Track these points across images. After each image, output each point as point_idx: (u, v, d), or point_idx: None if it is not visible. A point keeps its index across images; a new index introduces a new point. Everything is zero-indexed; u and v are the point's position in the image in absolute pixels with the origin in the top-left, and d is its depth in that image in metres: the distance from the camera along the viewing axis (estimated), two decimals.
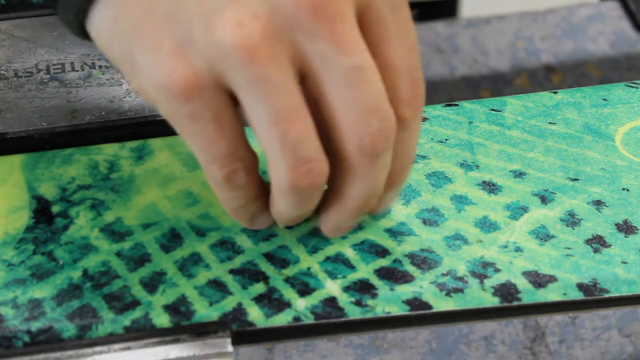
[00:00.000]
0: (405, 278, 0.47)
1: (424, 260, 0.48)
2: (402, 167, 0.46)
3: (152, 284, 0.47)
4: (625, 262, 0.48)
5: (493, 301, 0.47)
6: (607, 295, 0.47)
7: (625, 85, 0.56)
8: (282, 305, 0.46)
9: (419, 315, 0.47)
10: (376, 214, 0.49)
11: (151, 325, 0.46)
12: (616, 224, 0.50)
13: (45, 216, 0.49)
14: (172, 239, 0.48)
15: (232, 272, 0.47)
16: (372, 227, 0.49)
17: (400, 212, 0.50)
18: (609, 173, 0.52)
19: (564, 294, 0.47)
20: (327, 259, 0.48)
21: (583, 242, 0.49)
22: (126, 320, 0.46)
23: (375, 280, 0.47)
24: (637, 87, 0.56)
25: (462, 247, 0.49)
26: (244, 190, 0.45)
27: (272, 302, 0.46)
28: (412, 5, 0.45)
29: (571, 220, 0.50)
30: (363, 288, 0.47)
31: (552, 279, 0.48)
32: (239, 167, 0.43)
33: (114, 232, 0.48)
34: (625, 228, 0.50)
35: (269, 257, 0.48)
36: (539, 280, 0.47)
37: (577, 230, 0.49)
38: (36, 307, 0.46)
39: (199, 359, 0.45)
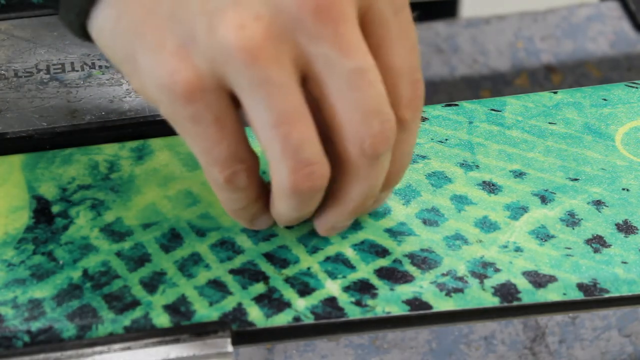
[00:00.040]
0: (405, 278, 0.47)
1: (424, 260, 0.48)
2: (399, 168, 0.46)
3: (152, 284, 0.47)
4: (625, 262, 0.48)
5: (493, 301, 0.47)
6: (607, 295, 0.47)
7: (625, 85, 0.56)
8: (282, 305, 0.46)
9: (419, 315, 0.47)
10: (368, 212, 0.49)
11: (151, 325, 0.46)
12: (616, 224, 0.50)
13: (45, 216, 0.49)
14: (172, 239, 0.48)
15: (232, 272, 0.47)
16: (372, 227, 0.49)
17: (400, 212, 0.50)
18: (609, 173, 0.52)
19: (564, 294, 0.47)
20: (327, 259, 0.48)
21: (583, 242, 0.49)
22: (126, 320, 0.46)
23: (375, 280, 0.47)
24: (637, 87, 0.56)
25: (462, 247, 0.49)
26: (245, 192, 0.45)
27: (272, 302, 0.46)
28: (413, 7, 0.45)
29: (571, 220, 0.50)
30: (363, 288, 0.47)
31: (552, 279, 0.48)
32: (240, 169, 0.43)
33: (114, 232, 0.48)
34: (625, 228, 0.50)
35: (269, 257, 0.48)
36: (539, 280, 0.47)
37: (577, 230, 0.49)
38: (36, 307, 0.46)
39: (199, 359, 0.45)
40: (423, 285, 0.47)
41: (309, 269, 0.47)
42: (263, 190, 0.46)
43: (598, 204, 0.51)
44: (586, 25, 0.80)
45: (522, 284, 0.47)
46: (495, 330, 0.65)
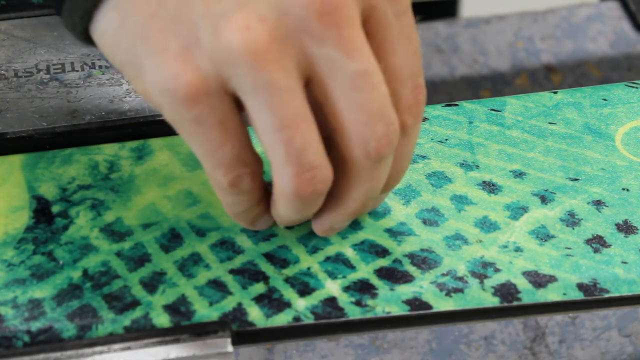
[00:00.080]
0: (405, 278, 0.47)
1: (424, 260, 0.48)
2: (397, 171, 0.46)
3: (152, 284, 0.47)
4: (625, 262, 0.48)
5: (493, 301, 0.47)
6: (607, 295, 0.47)
7: (625, 85, 0.56)
8: (282, 305, 0.46)
9: (419, 315, 0.47)
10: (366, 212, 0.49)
11: (151, 325, 0.46)
12: (616, 224, 0.50)
13: (45, 216, 0.49)
14: (172, 239, 0.48)
15: (232, 272, 0.47)
16: (372, 227, 0.49)
17: (400, 212, 0.50)
18: (609, 173, 0.52)
19: (564, 294, 0.47)
20: (327, 259, 0.48)
21: (583, 242, 0.49)
22: (126, 320, 0.46)
23: (375, 280, 0.47)
24: (637, 87, 0.56)
25: (462, 247, 0.49)
26: (248, 195, 0.45)
27: (272, 302, 0.46)
28: (415, 10, 0.45)
29: (571, 220, 0.50)
30: (363, 288, 0.47)
31: (552, 279, 0.48)
32: (244, 173, 0.43)
33: (114, 232, 0.48)
34: (625, 228, 0.50)
35: (269, 257, 0.48)
36: (539, 280, 0.47)
37: (577, 230, 0.49)
38: (36, 307, 0.46)
39: (199, 359, 0.45)
40: (423, 285, 0.47)
41: (309, 269, 0.47)
42: (265, 191, 0.46)
43: (598, 204, 0.51)
44: (586, 25, 0.80)
45: (522, 284, 0.47)
46: (495, 330, 0.65)
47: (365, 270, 0.47)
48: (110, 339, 0.45)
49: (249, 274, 0.47)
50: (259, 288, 0.47)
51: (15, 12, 0.57)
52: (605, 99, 0.55)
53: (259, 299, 0.46)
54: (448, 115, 0.54)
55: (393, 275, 0.47)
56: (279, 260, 0.48)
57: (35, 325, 0.45)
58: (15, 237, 0.48)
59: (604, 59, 0.78)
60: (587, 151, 0.53)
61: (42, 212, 0.49)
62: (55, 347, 0.45)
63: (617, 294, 0.47)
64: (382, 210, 0.50)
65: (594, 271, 0.48)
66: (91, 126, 0.52)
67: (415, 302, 0.47)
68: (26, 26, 0.56)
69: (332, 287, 0.47)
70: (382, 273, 0.47)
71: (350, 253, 0.48)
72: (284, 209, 0.45)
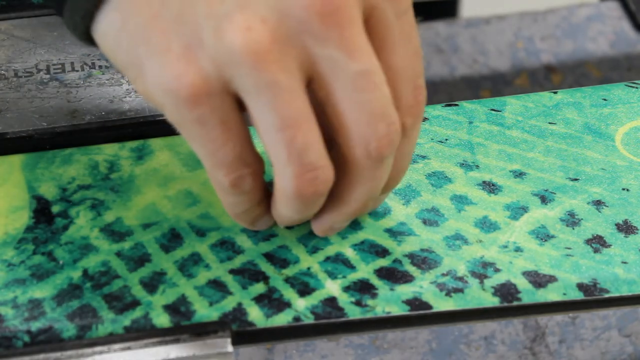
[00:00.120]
0: (405, 278, 0.47)
1: (424, 260, 0.48)
2: (397, 172, 0.46)
3: (152, 284, 0.47)
4: (625, 262, 0.48)
5: (493, 301, 0.47)
6: (607, 295, 0.47)
7: (625, 85, 0.56)
8: (282, 305, 0.46)
9: (419, 315, 0.47)
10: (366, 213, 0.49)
11: (151, 325, 0.46)
12: (616, 224, 0.50)
13: (45, 216, 0.49)
14: (172, 239, 0.48)
15: (232, 272, 0.47)
16: (372, 227, 0.49)
17: (400, 212, 0.50)
18: (609, 173, 0.52)
19: (564, 294, 0.47)
20: (327, 259, 0.48)
21: (583, 242, 0.49)
22: (126, 320, 0.46)
23: (375, 280, 0.47)
24: (637, 87, 0.56)
25: (462, 247, 0.49)
26: (249, 196, 0.45)
27: (272, 302, 0.46)
28: (416, 10, 0.45)
29: (571, 220, 0.50)
30: (363, 288, 0.47)
31: (552, 279, 0.48)
32: (245, 173, 0.43)
33: (114, 232, 0.48)
34: (625, 228, 0.50)
35: (269, 257, 0.48)
36: (539, 280, 0.47)
37: (577, 230, 0.49)
38: (36, 307, 0.46)
39: (199, 359, 0.45)
40: (423, 285, 0.47)
41: (309, 269, 0.47)
42: (265, 192, 0.46)
43: (598, 204, 0.51)
44: (586, 25, 0.80)
45: (522, 284, 0.47)
46: (495, 330, 0.65)
47: (365, 270, 0.47)
48: (110, 339, 0.45)
49: (249, 274, 0.47)
50: (259, 288, 0.47)
51: (15, 12, 0.57)
52: (605, 99, 0.55)
53: (259, 299, 0.46)
54: (448, 115, 0.54)
55: (393, 275, 0.47)
56: (279, 260, 0.48)
57: (35, 325, 0.45)
58: (15, 237, 0.48)
59: (604, 59, 0.78)
60: (587, 151, 0.53)
61: (42, 212, 0.49)
62: (55, 347, 0.45)
63: (617, 294, 0.47)
64: (382, 210, 0.50)
65: (594, 271, 0.48)
66: (91, 126, 0.52)
67: (415, 302, 0.47)
68: (26, 26, 0.56)
69: (332, 287, 0.47)
70: (382, 273, 0.47)
71: (350, 253, 0.48)
72: (284, 209, 0.45)
